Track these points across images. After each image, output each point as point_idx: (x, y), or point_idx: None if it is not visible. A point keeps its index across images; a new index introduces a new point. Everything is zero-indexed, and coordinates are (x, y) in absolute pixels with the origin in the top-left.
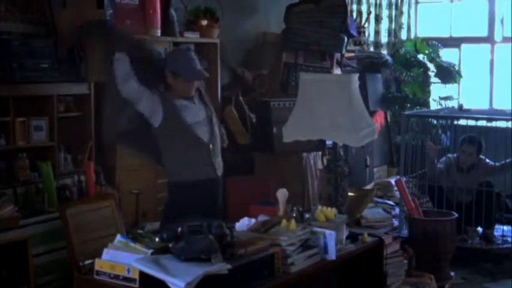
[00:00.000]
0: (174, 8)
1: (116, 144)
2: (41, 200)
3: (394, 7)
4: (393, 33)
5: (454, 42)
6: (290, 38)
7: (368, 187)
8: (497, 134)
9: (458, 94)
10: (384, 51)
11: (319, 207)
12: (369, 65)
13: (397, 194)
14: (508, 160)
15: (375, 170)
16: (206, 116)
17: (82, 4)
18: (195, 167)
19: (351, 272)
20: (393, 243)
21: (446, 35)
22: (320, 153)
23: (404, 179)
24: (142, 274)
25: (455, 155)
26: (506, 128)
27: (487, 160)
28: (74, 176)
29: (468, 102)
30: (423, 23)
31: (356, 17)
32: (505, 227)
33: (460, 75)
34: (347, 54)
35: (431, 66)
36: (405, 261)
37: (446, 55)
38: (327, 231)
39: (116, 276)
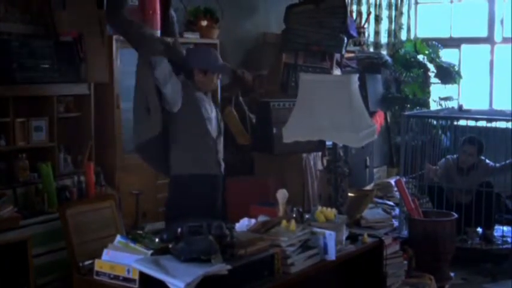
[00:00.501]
0: (174, 8)
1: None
2: (40, 200)
3: (393, 8)
4: (393, 33)
5: (454, 42)
6: (290, 38)
7: (368, 188)
8: (497, 135)
9: (458, 95)
10: (384, 52)
11: (319, 207)
12: (369, 65)
13: (397, 194)
14: (508, 161)
15: (375, 170)
16: (216, 114)
17: (82, 5)
18: (201, 161)
19: (350, 272)
20: (393, 243)
21: (446, 35)
22: (320, 153)
23: (404, 179)
24: (142, 275)
25: (454, 156)
26: (506, 129)
27: (487, 161)
28: (74, 177)
29: (468, 103)
30: (423, 24)
31: (356, 18)
32: (505, 228)
33: (460, 76)
34: (347, 55)
35: (431, 66)
36: (405, 262)
37: (446, 56)
38: (327, 232)
39: (116, 277)
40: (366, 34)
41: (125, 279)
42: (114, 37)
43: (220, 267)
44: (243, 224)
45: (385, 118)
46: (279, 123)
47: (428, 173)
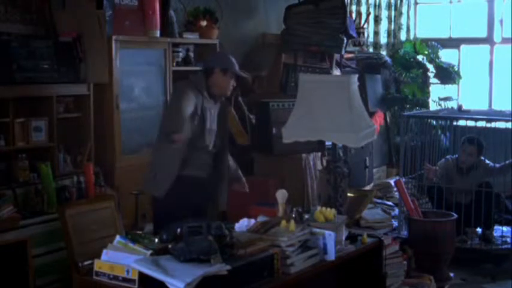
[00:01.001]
0: (173, 8)
1: None
2: (40, 201)
3: (393, 8)
4: (392, 34)
5: (453, 43)
6: (289, 39)
7: (367, 188)
8: (497, 135)
9: (458, 95)
10: (383, 52)
11: (319, 208)
12: (368, 65)
13: (397, 194)
14: (507, 161)
15: (374, 170)
16: (216, 127)
17: (81, 5)
18: (191, 166)
19: (350, 272)
20: (392, 244)
21: (445, 35)
22: (319, 154)
23: (403, 179)
24: (141, 275)
25: (454, 156)
26: (506, 129)
27: (487, 161)
28: (74, 177)
29: (467, 103)
30: (422, 24)
31: (355, 18)
32: (504, 228)
33: (460, 76)
34: (346, 55)
35: (430, 67)
36: (404, 262)
37: (446, 56)
38: (326, 232)
39: (115, 277)
40: (366, 34)
41: (124, 280)
42: (114, 37)
43: (219, 268)
44: (243, 224)
45: (385, 118)
46: (278, 124)
47: (428, 173)
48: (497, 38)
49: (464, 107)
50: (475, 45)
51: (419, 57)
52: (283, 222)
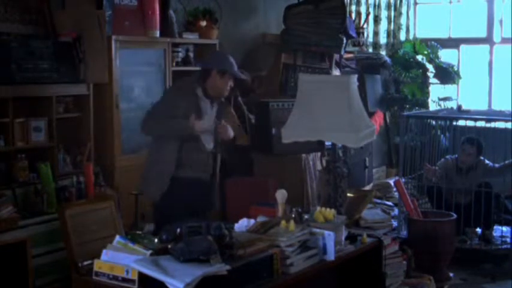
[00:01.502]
0: (173, 9)
1: None
2: (40, 201)
3: (393, 8)
4: (392, 34)
5: (453, 43)
6: (289, 39)
7: (367, 188)
8: (496, 135)
9: (457, 95)
10: (383, 52)
11: (318, 208)
12: (368, 66)
13: (396, 194)
14: (507, 161)
15: (374, 170)
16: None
17: (81, 5)
18: (190, 168)
19: (350, 273)
20: (392, 244)
21: (445, 35)
22: (319, 154)
23: (403, 179)
24: (141, 275)
25: (453, 156)
26: (505, 129)
27: (486, 161)
28: (73, 177)
29: (467, 103)
30: (422, 24)
31: (355, 18)
32: (504, 228)
33: (459, 76)
34: (346, 55)
35: (430, 67)
36: (404, 262)
37: (445, 56)
38: (326, 232)
39: (115, 277)
40: (365, 34)
41: (124, 280)
42: (113, 37)
43: (219, 268)
44: (242, 224)
45: (384, 118)
46: (278, 124)
47: (428, 174)
48: (496, 38)
49: (463, 107)
50: (474, 45)
51: (419, 57)
52: (283, 223)
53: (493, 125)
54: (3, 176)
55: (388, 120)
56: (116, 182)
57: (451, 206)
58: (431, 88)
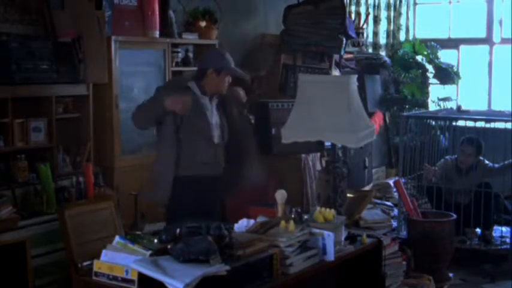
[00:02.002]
0: (173, 9)
1: None
2: (39, 201)
3: (392, 8)
4: (392, 34)
5: (452, 43)
6: (289, 39)
7: (367, 188)
8: (496, 135)
9: (457, 95)
10: (383, 53)
11: (318, 208)
12: (368, 66)
13: (396, 195)
14: (506, 162)
15: (374, 171)
16: (220, 121)
17: (81, 5)
18: (201, 165)
19: (349, 273)
20: (392, 244)
21: (444, 36)
22: (319, 154)
23: (403, 180)
24: (140, 275)
25: (453, 156)
26: (505, 129)
27: (486, 161)
28: (73, 178)
29: (466, 104)
30: (422, 24)
31: (354, 19)
32: (504, 228)
33: (459, 77)
34: (346, 56)
35: (429, 67)
36: (404, 263)
37: (445, 56)
38: (326, 232)
39: (115, 278)
40: (365, 35)
41: (124, 280)
42: (113, 37)
43: (219, 268)
44: (242, 224)
45: (384, 119)
46: (277, 124)
47: (427, 174)
48: (496, 38)
49: (463, 108)
50: (474, 45)
51: (419, 58)
52: (283, 223)
53: (492, 125)
54: (2, 176)
55: (387, 120)
56: (115, 183)
57: (450, 206)
58: (430, 88)
